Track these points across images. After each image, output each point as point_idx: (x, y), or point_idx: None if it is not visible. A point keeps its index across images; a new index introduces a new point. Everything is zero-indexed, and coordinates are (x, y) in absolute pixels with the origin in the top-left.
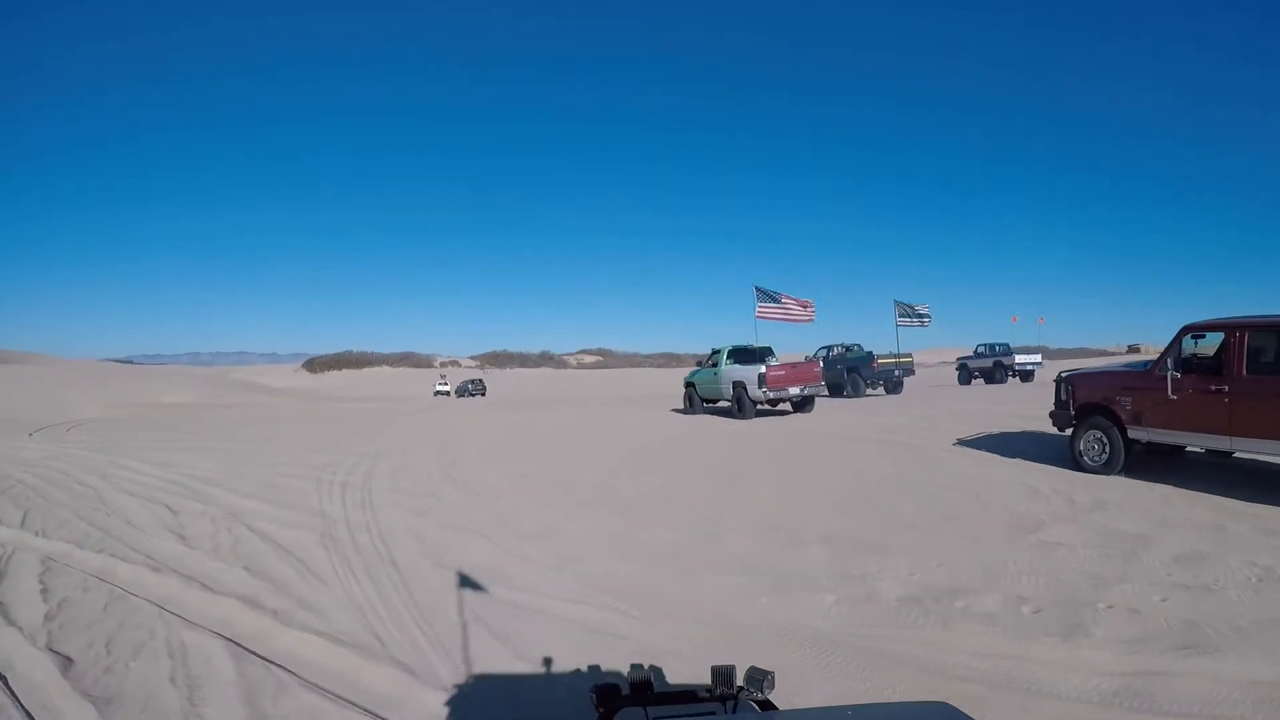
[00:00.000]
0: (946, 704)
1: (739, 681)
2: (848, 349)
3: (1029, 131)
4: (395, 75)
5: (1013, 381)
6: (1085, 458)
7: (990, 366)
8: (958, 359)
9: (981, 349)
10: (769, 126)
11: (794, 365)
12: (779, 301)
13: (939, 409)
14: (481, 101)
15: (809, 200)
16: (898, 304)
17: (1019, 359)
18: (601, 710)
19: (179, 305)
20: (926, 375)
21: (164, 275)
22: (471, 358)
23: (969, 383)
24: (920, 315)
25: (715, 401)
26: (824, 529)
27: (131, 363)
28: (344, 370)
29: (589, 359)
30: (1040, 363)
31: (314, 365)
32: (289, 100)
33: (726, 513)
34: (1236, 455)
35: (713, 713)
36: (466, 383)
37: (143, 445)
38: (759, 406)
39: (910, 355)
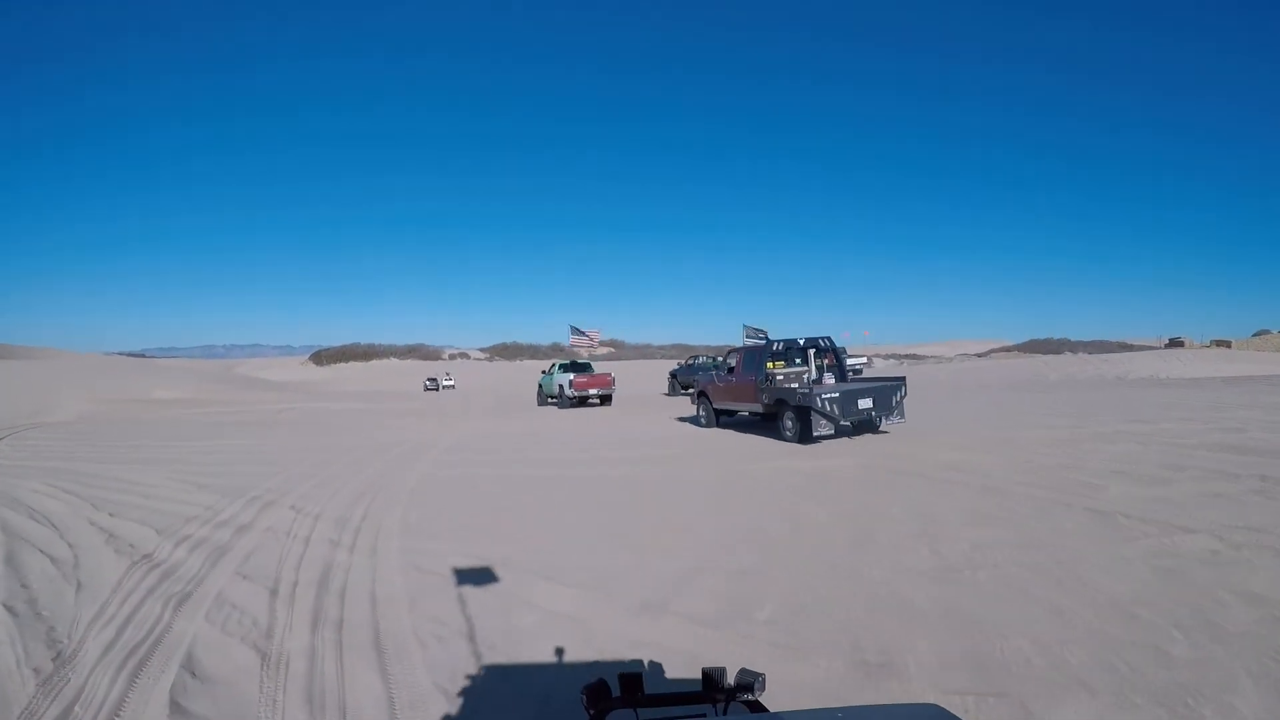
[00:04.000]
0: (935, 705)
1: (729, 683)
2: (713, 359)
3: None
4: (412, 72)
5: None
6: (701, 420)
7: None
8: None
9: None
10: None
11: (594, 376)
12: (585, 335)
13: None
14: (494, 95)
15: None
16: (746, 327)
17: (850, 361)
18: (592, 711)
19: (195, 299)
20: None
21: (182, 270)
22: (481, 349)
23: None
24: (763, 334)
25: (553, 398)
26: None
27: (144, 356)
28: (351, 363)
29: (601, 350)
30: (866, 362)
31: (320, 358)
32: (307, 96)
33: None
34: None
35: (703, 714)
36: (426, 379)
37: (41, 468)
38: (571, 401)
39: None
